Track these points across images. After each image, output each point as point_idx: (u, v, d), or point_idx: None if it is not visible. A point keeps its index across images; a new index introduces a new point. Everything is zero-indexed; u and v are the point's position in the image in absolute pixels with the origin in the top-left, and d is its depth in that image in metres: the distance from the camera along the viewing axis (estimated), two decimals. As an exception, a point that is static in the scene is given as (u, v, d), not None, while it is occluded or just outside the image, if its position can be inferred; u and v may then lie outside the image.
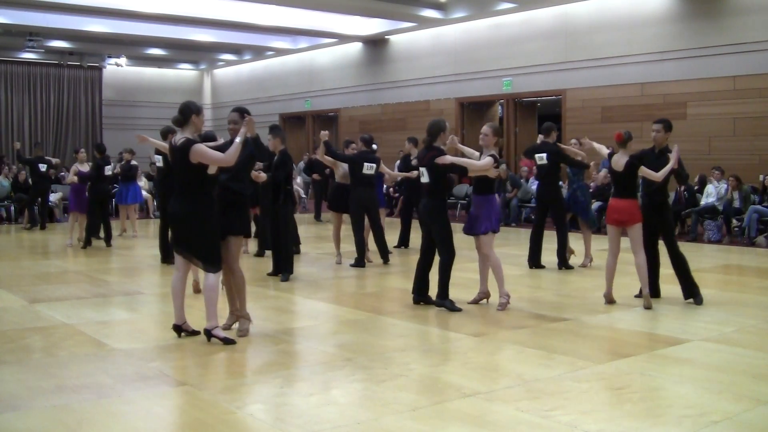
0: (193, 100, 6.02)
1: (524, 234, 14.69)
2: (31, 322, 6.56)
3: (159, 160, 10.22)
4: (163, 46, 24.89)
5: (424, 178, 7.12)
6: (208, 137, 6.59)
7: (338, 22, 20.27)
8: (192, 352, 5.55)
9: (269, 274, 9.11)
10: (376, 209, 10.10)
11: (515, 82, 18.34)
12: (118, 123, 27.11)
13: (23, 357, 5.43)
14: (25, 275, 9.35)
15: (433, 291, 7.23)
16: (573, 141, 10.55)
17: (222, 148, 5.88)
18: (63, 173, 19.70)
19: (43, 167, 15.43)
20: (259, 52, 25.58)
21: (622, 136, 7.22)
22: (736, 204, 13.01)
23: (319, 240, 13.52)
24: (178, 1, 18.48)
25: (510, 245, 12.61)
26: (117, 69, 26.82)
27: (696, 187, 13.91)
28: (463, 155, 7.84)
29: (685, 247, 12.32)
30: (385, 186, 12.99)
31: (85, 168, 12.68)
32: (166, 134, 9.27)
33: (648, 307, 7.03)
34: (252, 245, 11.16)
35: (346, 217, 10.27)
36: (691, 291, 7.31)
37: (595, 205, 14.90)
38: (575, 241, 12.30)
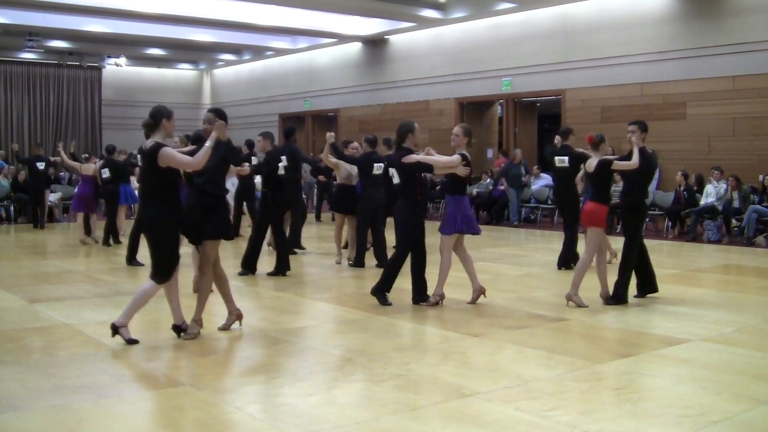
0: (164, 105, 5.96)
1: (524, 234, 14.72)
2: (31, 322, 6.56)
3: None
4: (162, 46, 24.88)
5: (395, 179, 7.24)
6: (199, 137, 6.56)
7: (338, 22, 20.27)
8: (192, 352, 5.55)
9: (269, 274, 9.12)
10: (383, 212, 9.97)
11: (515, 82, 18.34)
12: (118, 123, 27.10)
13: (23, 357, 5.43)
14: (24, 275, 9.35)
15: (431, 291, 7.26)
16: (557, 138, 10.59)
17: (194, 153, 5.88)
18: (63, 173, 19.72)
19: (40, 165, 15.43)
20: (258, 52, 25.57)
21: (594, 139, 7.35)
22: (736, 204, 13.01)
23: (319, 240, 13.53)
24: (178, 1, 18.47)
25: (510, 245, 12.62)
26: (116, 69, 26.82)
27: (695, 187, 13.91)
28: None
29: (685, 247, 12.42)
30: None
31: (89, 171, 12.96)
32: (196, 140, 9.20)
33: (581, 305, 7.09)
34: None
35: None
36: (616, 291, 7.32)
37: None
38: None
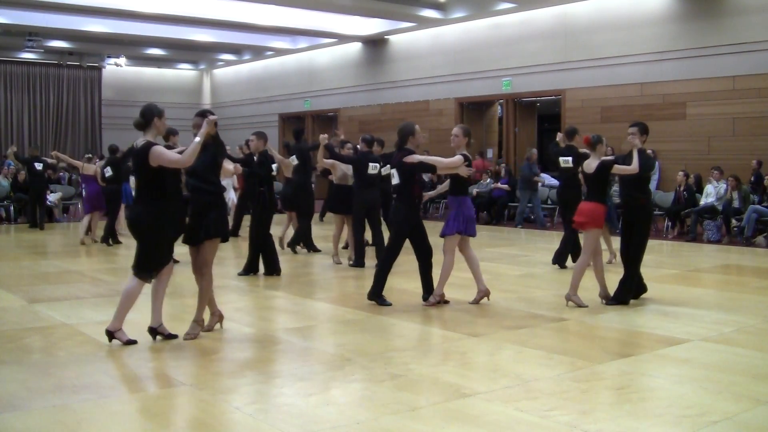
0: (155, 103, 5.95)
1: (525, 234, 14.71)
2: (31, 322, 6.56)
3: None
4: (162, 46, 24.89)
5: (395, 180, 7.24)
6: (171, 132, 6.89)
7: (338, 22, 20.27)
8: (191, 352, 5.54)
9: (264, 273, 9.11)
10: (378, 210, 10.06)
11: (515, 82, 18.34)
12: (118, 123, 27.05)
13: (22, 357, 5.43)
14: (24, 275, 9.35)
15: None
16: (559, 135, 10.60)
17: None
18: (63, 174, 19.72)
19: (39, 166, 15.42)
20: (258, 52, 25.58)
21: (590, 140, 7.35)
22: (736, 204, 13.02)
23: (320, 240, 13.52)
24: (178, 1, 18.48)
25: (510, 245, 12.62)
26: (116, 69, 26.83)
27: (695, 188, 13.92)
28: None
29: (685, 247, 12.42)
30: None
31: (90, 171, 13.00)
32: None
33: (580, 305, 7.10)
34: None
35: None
36: (618, 292, 7.29)
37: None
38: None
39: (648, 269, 9.71)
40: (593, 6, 16.70)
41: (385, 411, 4.23)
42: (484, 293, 7.35)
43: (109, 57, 26.24)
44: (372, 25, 20.63)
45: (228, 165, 7.07)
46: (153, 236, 5.59)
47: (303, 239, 11.44)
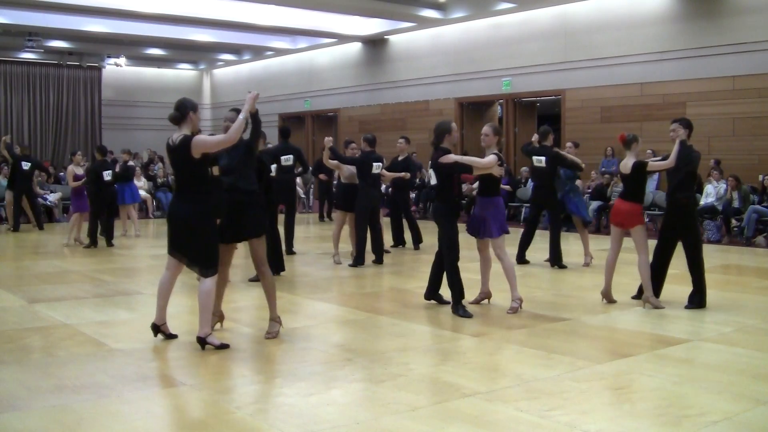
0: (189, 97, 5.93)
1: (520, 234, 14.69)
2: (31, 322, 6.56)
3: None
4: (162, 46, 24.88)
5: (433, 180, 7.13)
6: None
7: (338, 22, 20.27)
8: (192, 352, 5.54)
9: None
10: (378, 210, 10.21)
11: (514, 82, 18.34)
12: (118, 123, 27.11)
13: (22, 357, 5.43)
14: (24, 275, 9.35)
15: (442, 292, 7.26)
16: (568, 145, 10.69)
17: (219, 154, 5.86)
18: (62, 174, 19.71)
19: (26, 165, 14.99)
20: (258, 52, 25.57)
21: (625, 138, 7.21)
22: (736, 204, 13.02)
23: (320, 240, 13.52)
24: (178, 1, 18.47)
25: (509, 245, 12.59)
26: (116, 69, 26.81)
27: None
28: None
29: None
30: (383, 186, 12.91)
31: (80, 171, 12.68)
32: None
33: (657, 307, 7.03)
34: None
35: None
36: (692, 297, 7.23)
37: (594, 204, 14.93)
38: (574, 241, 12.30)
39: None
40: (593, 6, 16.70)
41: (385, 411, 4.23)
42: (485, 295, 7.34)
43: (109, 57, 26.23)
44: (372, 25, 20.63)
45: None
46: (206, 230, 5.51)
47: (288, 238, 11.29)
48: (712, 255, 11.63)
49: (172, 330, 5.91)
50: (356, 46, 22.65)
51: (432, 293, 7.31)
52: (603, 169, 15.88)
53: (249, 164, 5.96)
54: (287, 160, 10.59)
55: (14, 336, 6.03)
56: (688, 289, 7.36)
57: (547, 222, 10.44)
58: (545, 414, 4.18)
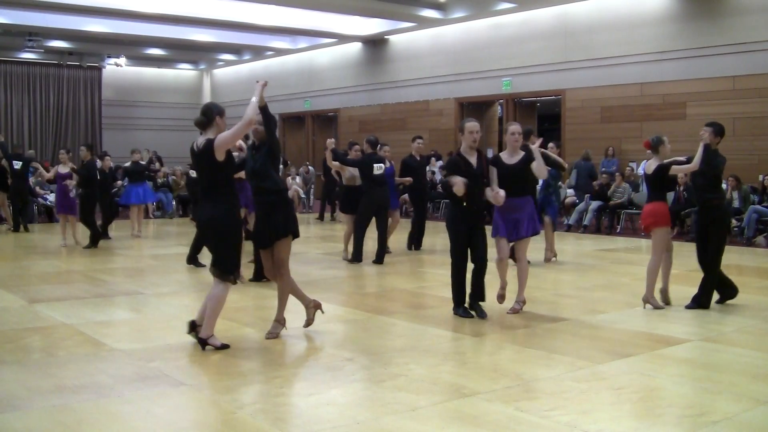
0: (215, 102, 5.91)
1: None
2: (31, 322, 6.56)
3: None
4: (162, 46, 24.89)
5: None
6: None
7: (338, 22, 20.27)
8: (192, 352, 5.54)
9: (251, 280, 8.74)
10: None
11: (515, 82, 18.34)
12: (118, 123, 27.11)
13: (22, 357, 5.43)
14: (24, 275, 9.35)
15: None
16: (550, 145, 10.64)
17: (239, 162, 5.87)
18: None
19: (17, 164, 14.84)
20: (258, 52, 25.58)
21: (650, 143, 7.18)
22: (736, 204, 13.01)
23: (321, 240, 13.52)
24: (178, 1, 18.48)
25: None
26: (116, 69, 26.82)
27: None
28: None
29: (686, 247, 12.39)
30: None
31: (66, 170, 12.55)
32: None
33: (657, 307, 7.04)
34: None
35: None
36: (699, 299, 7.18)
37: (594, 204, 14.93)
38: (574, 241, 12.33)
39: (648, 269, 9.74)
40: (593, 6, 16.70)
41: (385, 411, 4.23)
42: (523, 302, 7.06)
43: (109, 57, 26.24)
44: (372, 25, 20.63)
45: None
46: (233, 235, 5.49)
47: None
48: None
49: (173, 330, 5.91)
50: (356, 46, 22.65)
51: (475, 300, 6.91)
52: (603, 169, 15.89)
53: (273, 165, 5.92)
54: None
55: (14, 336, 6.03)
56: (688, 289, 7.37)
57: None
58: (545, 414, 4.18)
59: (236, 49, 25.63)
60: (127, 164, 14.52)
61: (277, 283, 6.03)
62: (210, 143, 5.40)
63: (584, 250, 12.08)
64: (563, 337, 6.06)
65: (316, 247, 12.24)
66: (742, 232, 12.77)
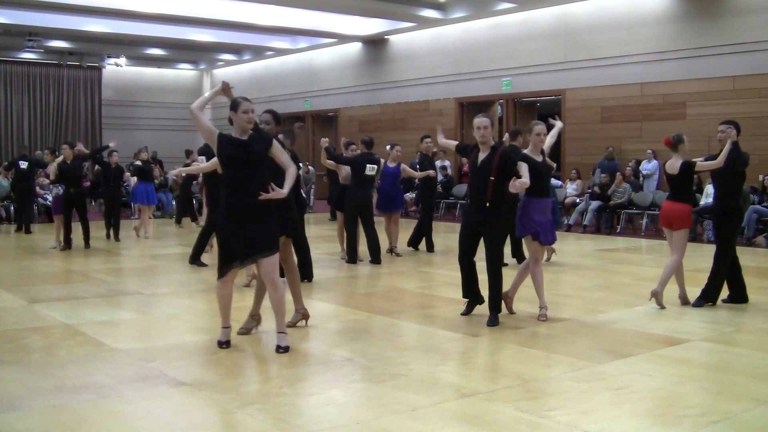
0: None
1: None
2: (31, 322, 6.56)
3: None
4: (162, 46, 24.90)
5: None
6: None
7: (338, 22, 20.28)
8: (192, 352, 5.55)
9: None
10: (371, 210, 10.34)
11: (515, 82, 18.35)
12: (118, 123, 27.10)
13: (22, 357, 5.43)
14: (24, 275, 9.35)
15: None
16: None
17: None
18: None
19: (23, 165, 14.88)
20: (258, 52, 25.58)
21: (670, 141, 7.11)
22: (736, 204, 13.00)
23: (321, 240, 13.51)
24: (178, 1, 18.48)
25: (507, 245, 12.59)
26: (116, 69, 26.83)
27: (695, 187, 13.90)
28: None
29: (691, 247, 12.36)
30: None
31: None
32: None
33: (660, 305, 7.04)
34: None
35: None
36: (706, 294, 7.19)
37: (595, 204, 14.92)
38: (574, 241, 12.31)
39: (649, 269, 9.75)
40: (593, 6, 16.70)
41: (385, 411, 4.23)
42: (511, 300, 7.05)
43: (109, 57, 26.25)
44: (372, 25, 20.64)
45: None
46: (221, 234, 5.58)
47: None
48: (712, 255, 11.61)
49: (173, 330, 5.91)
50: (356, 46, 22.65)
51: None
52: (599, 169, 15.89)
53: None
54: None
55: (14, 336, 6.03)
56: (688, 289, 7.37)
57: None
58: (545, 414, 4.18)
59: (236, 49, 25.63)
60: (138, 162, 14.66)
61: (287, 278, 6.20)
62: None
63: (584, 250, 12.08)
64: (563, 337, 6.05)
65: (315, 247, 12.20)
66: (742, 232, 12.76)
